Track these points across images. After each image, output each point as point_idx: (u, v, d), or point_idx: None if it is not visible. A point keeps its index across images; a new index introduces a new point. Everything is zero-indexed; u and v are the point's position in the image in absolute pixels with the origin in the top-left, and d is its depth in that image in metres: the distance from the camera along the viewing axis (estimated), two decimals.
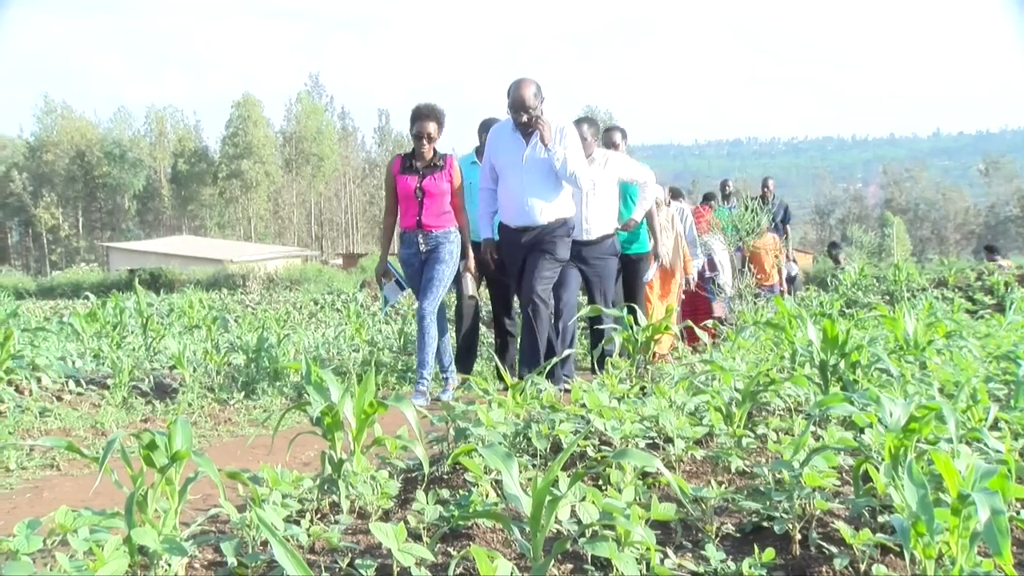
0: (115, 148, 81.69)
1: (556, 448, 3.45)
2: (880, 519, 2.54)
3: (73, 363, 6.72)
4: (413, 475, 3.36)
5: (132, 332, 9.34)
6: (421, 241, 6.36)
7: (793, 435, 3.41)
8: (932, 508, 2.00)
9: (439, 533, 2.47)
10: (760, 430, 3.61)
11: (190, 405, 5.89)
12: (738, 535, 2.58)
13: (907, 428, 2.60)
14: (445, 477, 3.29)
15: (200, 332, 9.74)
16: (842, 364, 4.17)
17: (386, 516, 2.88)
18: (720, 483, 2.94)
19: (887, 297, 12.04)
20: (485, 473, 2.95)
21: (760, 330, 6.36)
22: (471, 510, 2.64)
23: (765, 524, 2.59)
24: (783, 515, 2.55)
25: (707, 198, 12.74)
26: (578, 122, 7.07)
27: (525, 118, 6.09)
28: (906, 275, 12.76)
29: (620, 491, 2.71)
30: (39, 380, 5.98)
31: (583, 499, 2.53)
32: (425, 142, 6.31)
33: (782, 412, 4.03)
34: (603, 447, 3.42)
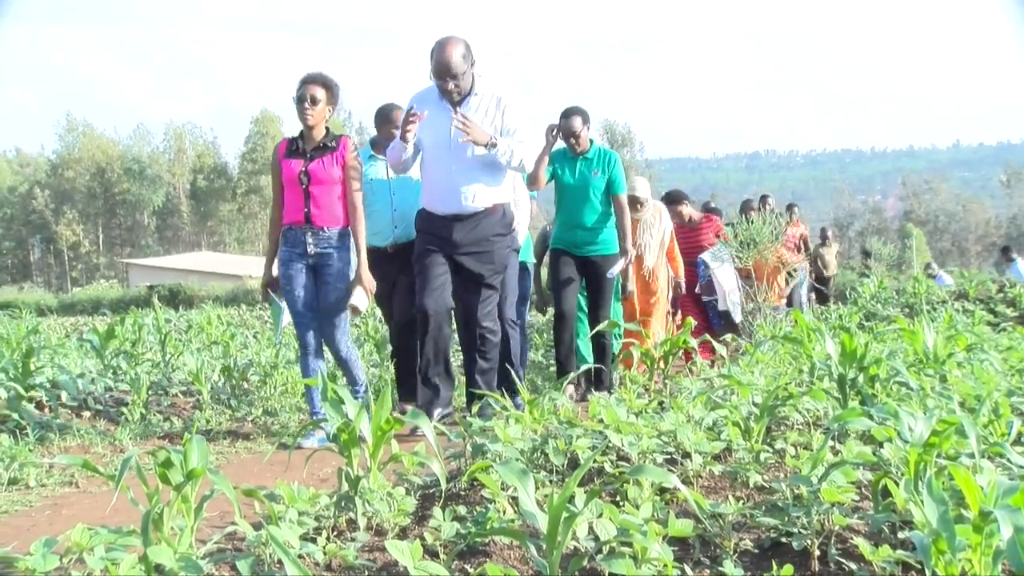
0: (135, 165, 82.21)
1: (574, 464, 3.43)
2: (900, 535, 2.51)
3: (92, 380, 6.75)
4: (431, 491, 3.35)
5: (151, 349, 9.38)
6: (310, 241, 5.24)
7: (812, 450, 3.38)
8: (953, 525, 1.97)
9: (456, 550, 2.46)
10: (779, 445, 3.58)
11: (207, 422, 5.91)
12: (756, 551, 2.56)
13: (927, 443, 2.57)
14: (462, 493, 3.28)
15: (218, 348, 9.76)
16: (861, 378, 4.14)
17: (403, 533, 2.87)
18: (738, 498, 2.92)
19: (907, 310, 11.97)
20: (502, 489, 2.93)
21: (778, 344, 6.33)
22: (488, 527, 2.63)
23: (783, 540, 2.56)
24: (802, 531, 2.53)
25: (744, 208, 12.41)
26: (568, 114, 6.74)
27: (452, 86, 5.21)
28: (926, 287, 12.68)
29: (637, 507, 2.69)
30: (59, 397, 6.01)
31: (600, 515, 2.51)
32: (307, 106, 5.20)
33: (801, 426, 4.00)
34: (621, 462, 3.40)
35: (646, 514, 2.61)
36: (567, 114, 6.79)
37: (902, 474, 2.63)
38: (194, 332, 12.44)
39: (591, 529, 2.50)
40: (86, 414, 5.92)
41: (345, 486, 3.01)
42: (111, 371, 7.62)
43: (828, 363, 4.35)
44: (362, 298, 5.25)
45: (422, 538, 2.65)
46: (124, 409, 6.01)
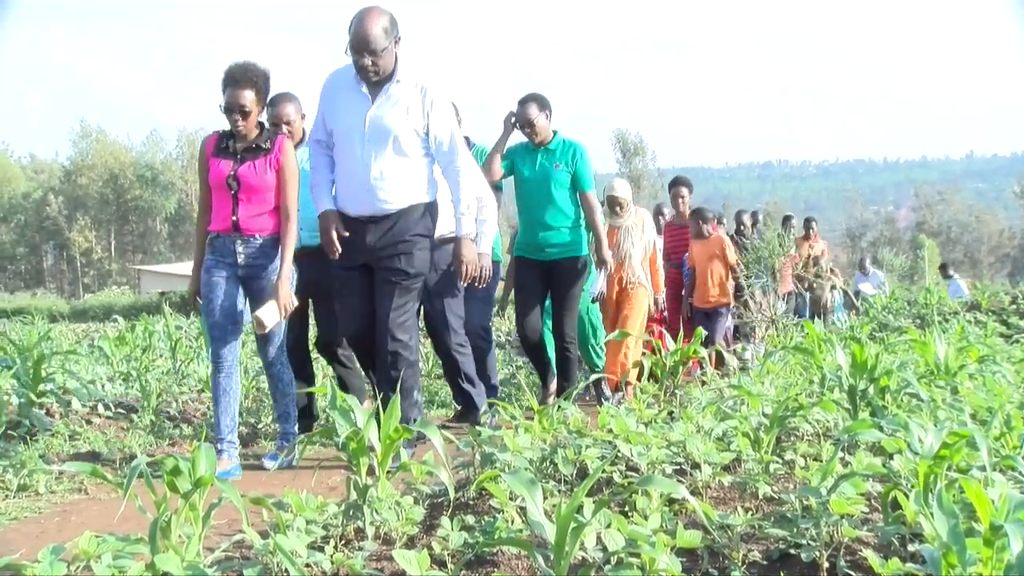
0: (147, 171, 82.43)
1: (583, 473, 3.42)
2: (910, 548, 2.50)
3: (102, 387, 6.77)
4: (439, 500, 3.35)
5: (161, 355, 9.41)
6: (240, 250, 4.72)
7: (821, 461, 3.37)
8: (964, 538, 1.96)
9: (464, 560, 2.46)
10: (788, 456, 3.57)
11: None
12: (765, 562, 2.54)
13: (938, 455, 2.56)
14: (471, 503, 3.27)
15: None
16: (871, 389, 4.13)
17: (411, 542, 2.86)
18: (747, 509, 2.91)
19: (918, 321, 11.92)
20: (511, 499, 2.93)
21: (789, 354, 6.31)
22: (496, 537, 2.62)
23: (792, 551, 2.55)
24: (811, 542, 2.52)
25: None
26: (524, 101, 6.26)
27: (370, 62, 4.52)
28: (938, 298, 12.63)
29: (646, 518, 2.68)
30: (69, 403, 6.03)
31: (608, 526, 2.50)
32: (238, 118, 4.65)
33: (810, 437, 3.99)
34: (630, 473, 3.39)
35: (655, 525, 2.60)
36: (523, 101, 6.29)
37: (912, 486, 2.61)
38: (205, 339, 12.43)
39: (599, 539, 2.49)
40: (96, 420, 5.93)
41: (353, 495, 3.01)
42: (121, 377, 7.65)
43: (839, 374, 4.34)
44: (271, 314, 4.68)
45: (430, 547, 2.65)
46: (134, 416, 6.02)
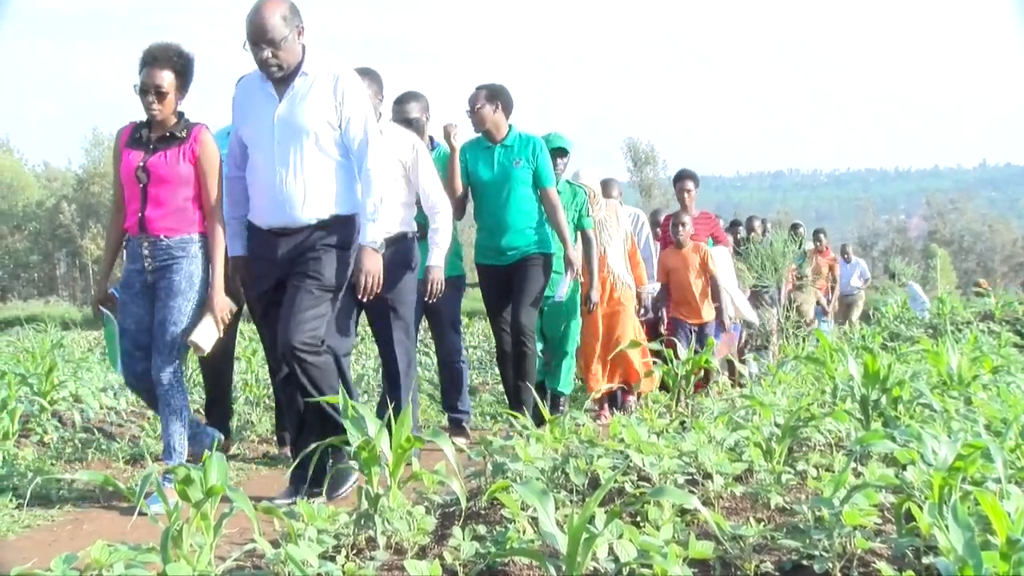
0: None
1: (594, 483, 3.41)
2: (924, 560, 2.49)
3: (114, 395, 6.77)
4: (450, 510, 3.34)
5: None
6: (146, 254, 4.21)
7: (834, 471, 3.36)
8: (979, 552, 1.95)
9: (475, 570, 2.46)
10: (800, 466, 3.57)
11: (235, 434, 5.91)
12: (777, 574, 2.53)
13: (952, 467, 2.55)
14: (482, 512, 3.27)
15: (240, 364, 9.79)
16: (884, 399, 4.12)
17: (423, 552, 2.86)
18: (759, 520, 2.90)
19: (931, 331, 11.87)
20: (522, 509, 2.92)
21: (801, 364, 6.28)
22: (507, 547, 2.62)
23: (805, 563, 2.54)
24: (823, 553, 2.51)
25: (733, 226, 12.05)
26: (477, 89, 5.78)
27: (269, 55, 4.05)
28: (950, 308, 12.58)
29: (658, 528, 2.68)
30: (81, 411, 6.04)
31: (620, 536, 2.50)
32: (153, 100, 4.16)
33: (823, 448, 3.98)
34: (641, 483, 3.39)
35: (667, 535, 2.60)
36: (476, 90, 5.80)
37: (926, 498, 2.60)
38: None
39: (611, 550, 2.49)
40: (108, 429, 5.94)
41: (365, 504, 3.01)
42: None
43: (851, 384, 4.33)
44: (209, 333, 4.19)
45: (441, 557, 2.65)
46: (145, 424, 6.03)
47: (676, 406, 5.33)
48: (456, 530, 2.79)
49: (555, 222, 5.79)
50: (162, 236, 4.19)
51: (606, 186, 7.08)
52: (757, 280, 9.38)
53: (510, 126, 5.76)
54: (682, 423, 4.53)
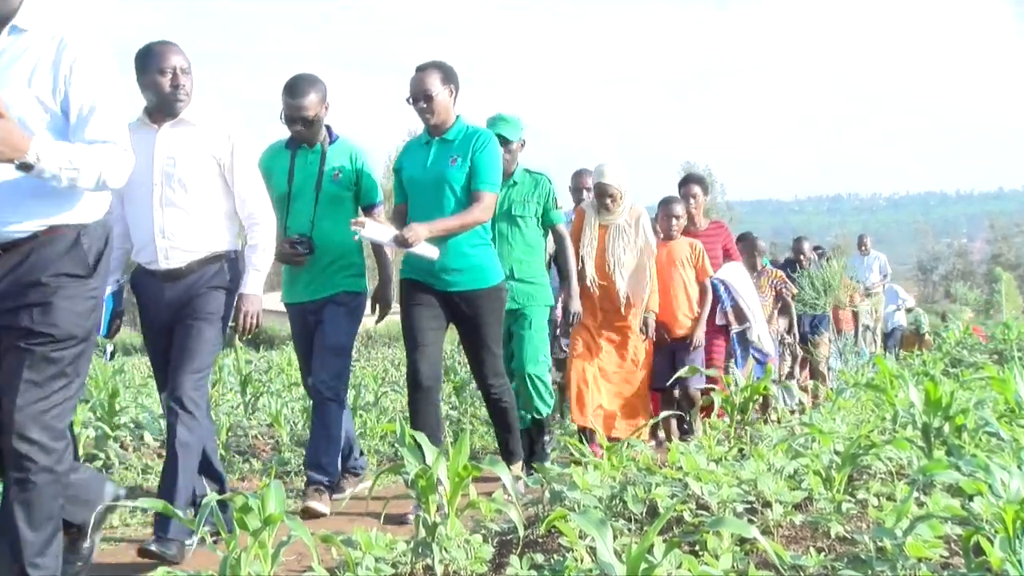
0: None
1: (652, 511, 3.39)
2: None
3: None
4: (508, 538, 3.34)
5: (231, 389, 9.52)
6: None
7: (895, 501, 3.31)
8: None
9: None
10: (861, 495, 3.51)
11: (285, 464, 5.96)
12: None
13: None
14: (540, 541, 3.26)
15: (299, 390, 9.88)
16: (947, 427, 4.04)
17: None
18: (819, 550, 2.86)
19: (995, 356, 11.65)
20: (580, 538, 2.91)
21: (860, 391, 6.19)
22: None
23: None
24: None
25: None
26: (422, 68, 4.51)
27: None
28: (1016, 333, 12.33)
29: (717, 558, 2.66)
30: (141, 437, 6.13)
31: (679, 566, 2.48)
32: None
33: (884, 476, 3.91)
34: (700, 511, 3.36)
35: (726, 565, 2.57)
36: (420, 68, 4.53)
37: (996, 531, 2.54)
38: (274, 373, 12.60)
39: None
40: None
41: (422, 532, 3.02)
42: None
43: (912, 411, 4.26)
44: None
45: None
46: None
47: (734, 433, 5.28)
48: (513, 559, 2.78)
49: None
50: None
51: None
52: (810, 307, 9.18)
53: (457, 116, 4.59)
54: (740, 451, 4.49)
